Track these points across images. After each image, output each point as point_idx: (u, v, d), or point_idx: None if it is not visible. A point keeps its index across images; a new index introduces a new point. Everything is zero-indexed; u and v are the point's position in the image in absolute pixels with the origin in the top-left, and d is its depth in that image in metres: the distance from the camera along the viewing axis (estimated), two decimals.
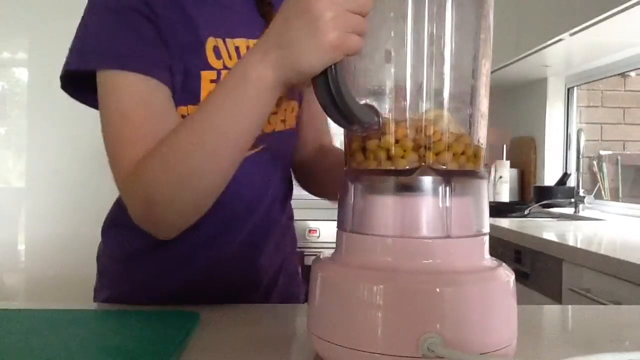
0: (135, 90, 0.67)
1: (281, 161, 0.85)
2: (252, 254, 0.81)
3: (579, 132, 2.56)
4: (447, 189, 0.50)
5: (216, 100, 0.62)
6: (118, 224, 0.83)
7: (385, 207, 0.51)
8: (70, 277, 2.50)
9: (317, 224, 2.63)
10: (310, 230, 2.63)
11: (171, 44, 0.70)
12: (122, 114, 0.67)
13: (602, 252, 1.45)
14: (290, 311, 0.75)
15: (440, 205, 0.50)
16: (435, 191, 0.50)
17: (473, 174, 0.53)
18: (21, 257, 2.70)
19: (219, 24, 0.74)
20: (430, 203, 0.50)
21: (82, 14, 0.71)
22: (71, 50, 0.71)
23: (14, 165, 2.78)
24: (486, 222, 0.54)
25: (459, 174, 0.52)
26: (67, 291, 2.51)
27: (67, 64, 0.71)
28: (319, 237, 2.64)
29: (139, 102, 0.67)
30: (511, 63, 2.60)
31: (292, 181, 0.91)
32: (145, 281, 0.80)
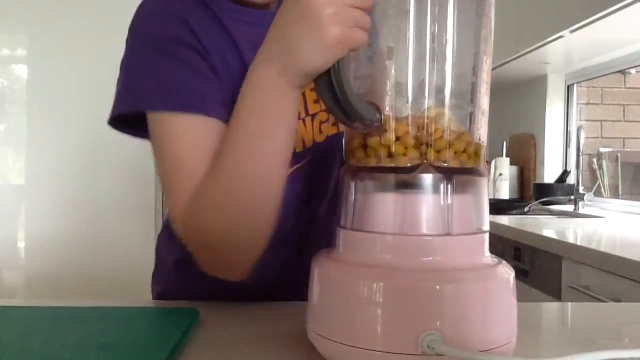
0: (188, 133, 0.64)
1: (326, 173, 0.80)
2: (297, 262, 0.76)
3: (578, 129, 2.56)
4: (448, 186, 0.50)
5: (240, 124, 0.59)
6: (168, 226, 0.84)
7: (386, 205, 0.51)
8: (69, 275, 2.50)
9: None
10: None
11: (220, 70, 0.68)
12: (176, 160, 0.64)
13: (601, 249, 1.45)
14: (290, 309, 0.75)
15: (442, 202, 0.50)
16: (436, 189, 0.50)
17: (474, 172, 0.53)
18: (21, 255, 2.70)
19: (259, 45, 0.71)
20: (430, 200, 0.50)
21: (123, 47, 0.68)
22: (119, 91, 0.69)
23: (14, 163, 2.77)
24: (486, 219, 0.54)
25: (460, 172, 0.52)
26: (66, 288, 2.51)
27: (116, 107, 0.68)
28: None
29: (192, 145, 0.64)
30: (511, 60, 2.59)
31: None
32: (187, 282, 0.80)
